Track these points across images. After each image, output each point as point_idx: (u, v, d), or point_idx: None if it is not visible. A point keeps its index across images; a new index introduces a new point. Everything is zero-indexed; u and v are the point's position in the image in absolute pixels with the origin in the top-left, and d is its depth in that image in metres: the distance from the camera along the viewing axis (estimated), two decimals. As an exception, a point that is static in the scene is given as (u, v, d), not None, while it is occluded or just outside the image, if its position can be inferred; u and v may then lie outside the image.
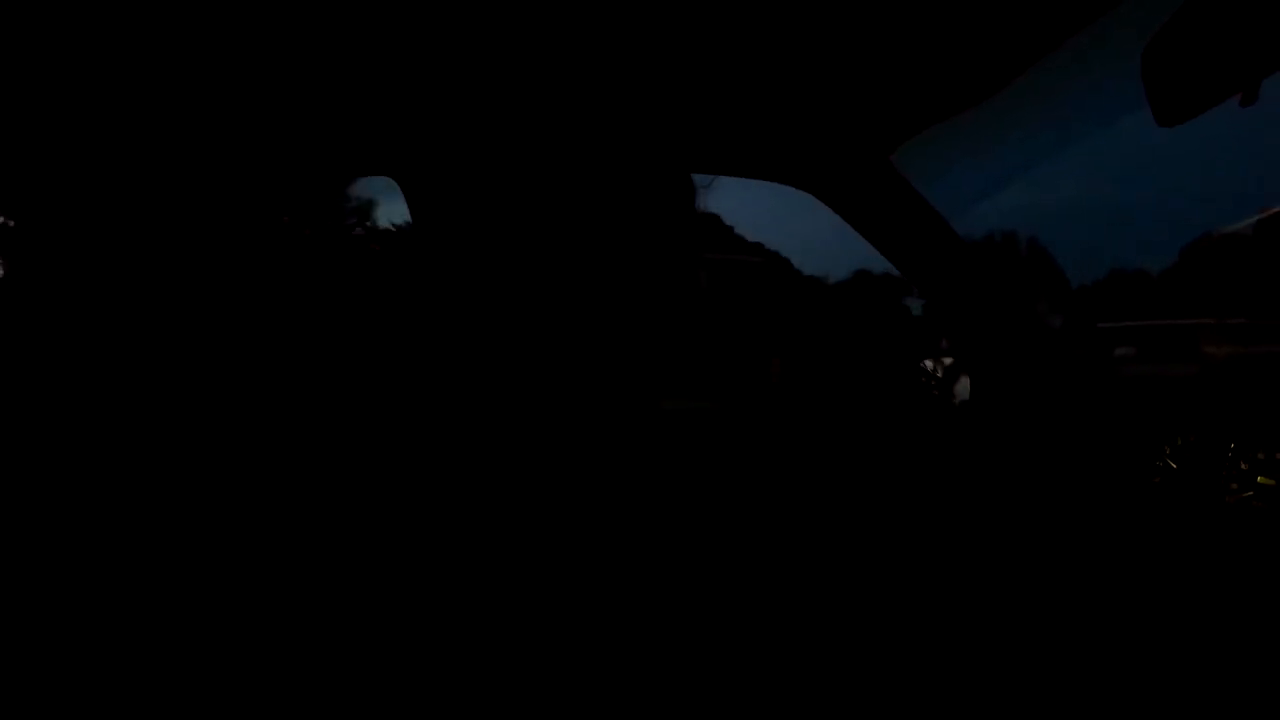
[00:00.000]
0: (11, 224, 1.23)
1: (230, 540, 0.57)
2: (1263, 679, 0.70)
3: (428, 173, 0.58)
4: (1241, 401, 0.91)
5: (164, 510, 0.60)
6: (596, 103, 1.02)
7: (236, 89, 0.98)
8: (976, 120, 1.10)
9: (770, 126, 1.15)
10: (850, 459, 1.39)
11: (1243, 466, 0.81)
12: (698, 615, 0.56)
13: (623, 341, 0.57)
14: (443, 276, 0.57)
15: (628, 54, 0.89)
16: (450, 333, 0.61)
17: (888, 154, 1.22)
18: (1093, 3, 0.79)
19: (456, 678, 0.47)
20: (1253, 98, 0.58)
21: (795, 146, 1.23)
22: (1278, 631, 0.71)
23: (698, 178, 0.62)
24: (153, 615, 0.53)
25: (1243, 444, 0.83)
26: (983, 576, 1.10)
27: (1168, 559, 0.87)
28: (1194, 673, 0.77)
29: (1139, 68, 0.64)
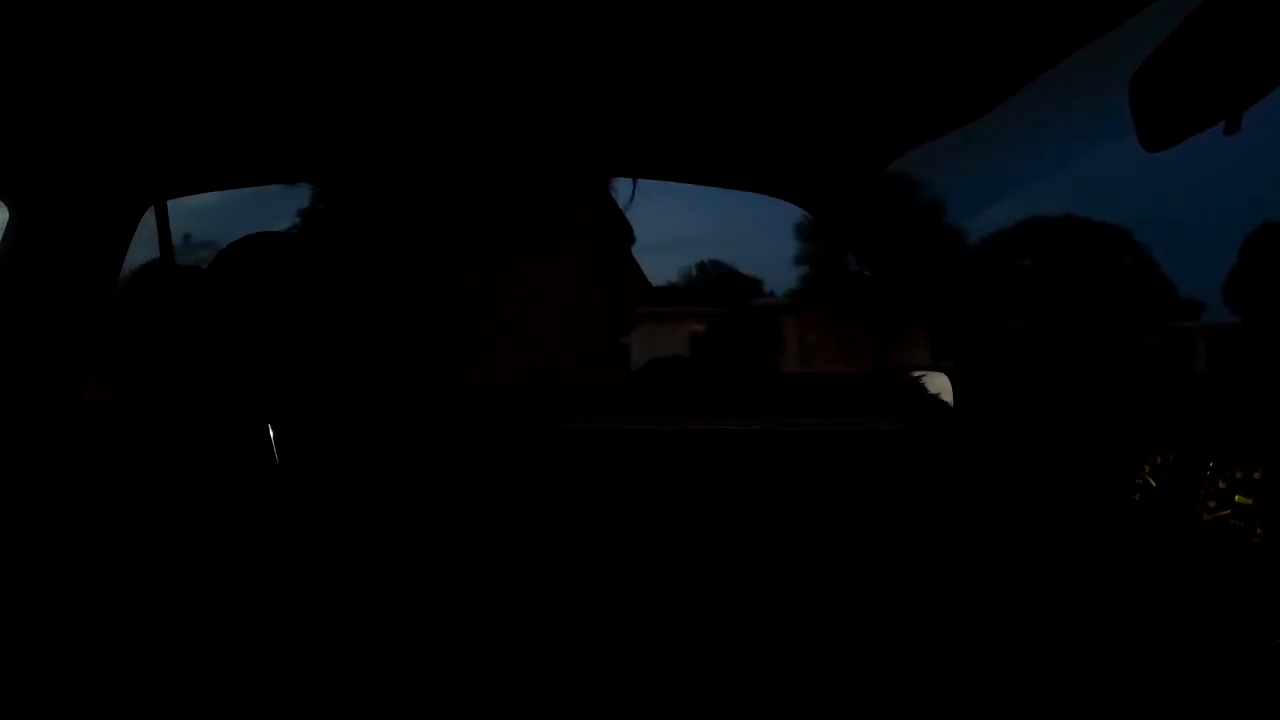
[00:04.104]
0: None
1: None
2: (1241, 697, 0.70)
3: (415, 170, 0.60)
4: (1221, 419, 0.92)
5: None
6: (567, 105, 0.99)
7: (234, 81, 0.98)
8: (971, 134, 1.10)
9: (756, 135, 1.13)
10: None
11: (1220, 485, 0.83)
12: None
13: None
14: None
15: (602, 52, 0.86)
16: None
17: (882, 167, 1.22)
18: (1088, 25, 0.80)
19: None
20: (1235, 126, 0.60)
21: (783, 157, 1.21)
22: (1256, 650, 0.71)
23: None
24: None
25: (1221, 462, 0.84)
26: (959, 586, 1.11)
27: (1146, 577, 0.88)
28: (1171, 690, 0.77)
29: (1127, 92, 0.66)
